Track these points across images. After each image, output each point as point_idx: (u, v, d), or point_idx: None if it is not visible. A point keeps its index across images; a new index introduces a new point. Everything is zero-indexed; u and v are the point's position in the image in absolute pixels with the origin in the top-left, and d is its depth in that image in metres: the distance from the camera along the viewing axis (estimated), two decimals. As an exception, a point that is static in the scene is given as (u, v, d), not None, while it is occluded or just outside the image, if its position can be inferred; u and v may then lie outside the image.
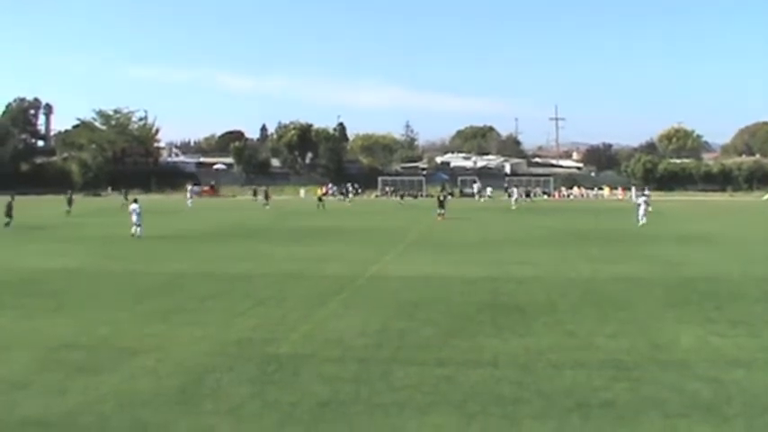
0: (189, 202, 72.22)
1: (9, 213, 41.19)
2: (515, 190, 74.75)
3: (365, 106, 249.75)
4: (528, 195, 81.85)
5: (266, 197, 69.99)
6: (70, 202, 56.03)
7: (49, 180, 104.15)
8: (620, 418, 8.97)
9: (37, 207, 54.80)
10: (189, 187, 79.48)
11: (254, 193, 71.97)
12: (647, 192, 59.36)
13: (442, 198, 53.76)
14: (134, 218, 36.09)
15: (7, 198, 43.46)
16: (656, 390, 10.08)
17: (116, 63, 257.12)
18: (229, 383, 10.39)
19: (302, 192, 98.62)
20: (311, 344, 12.85)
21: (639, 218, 41.10)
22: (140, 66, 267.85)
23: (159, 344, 12.70)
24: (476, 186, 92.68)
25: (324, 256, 26.74)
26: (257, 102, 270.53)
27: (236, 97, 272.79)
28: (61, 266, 23.69)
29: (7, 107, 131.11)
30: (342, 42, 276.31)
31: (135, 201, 38.12)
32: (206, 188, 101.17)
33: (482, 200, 67.63)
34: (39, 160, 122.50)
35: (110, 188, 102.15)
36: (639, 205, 42.06)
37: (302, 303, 16.72)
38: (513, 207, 64.07)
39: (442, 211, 50.35)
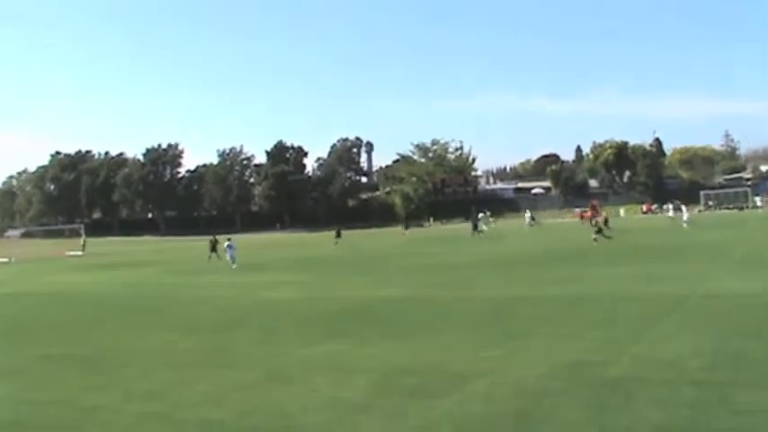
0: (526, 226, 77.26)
1: (214, 248, 45.89)
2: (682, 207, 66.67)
3: (679, 119, 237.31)
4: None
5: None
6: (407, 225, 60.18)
7: (373, 213, 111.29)
8: None
9: (365, 239, 58.05)
10: (527, 213, 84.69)
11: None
12: None
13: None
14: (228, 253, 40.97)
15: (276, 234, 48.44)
16: None
17: (426, 99, 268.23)
18: (564, 407, 10.05)
19: (621, 211, 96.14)
20: (643, 366, 12.14)
21: None
22: (450, 99, 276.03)
23: (491, 368, 12.67)
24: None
25: (650, 275, 25.50)
26: (570, 123, 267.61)
27: (549, 120, 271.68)
28: (388, 295, 24.84)
29: (332, 148, 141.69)
30: (649, 56, 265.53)
31: (228, 239, 42.52)
32: None
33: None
34: (364, 195, 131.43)
35: (431, 218, 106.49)
36: None
37: (632, 324, 15.95)
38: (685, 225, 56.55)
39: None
